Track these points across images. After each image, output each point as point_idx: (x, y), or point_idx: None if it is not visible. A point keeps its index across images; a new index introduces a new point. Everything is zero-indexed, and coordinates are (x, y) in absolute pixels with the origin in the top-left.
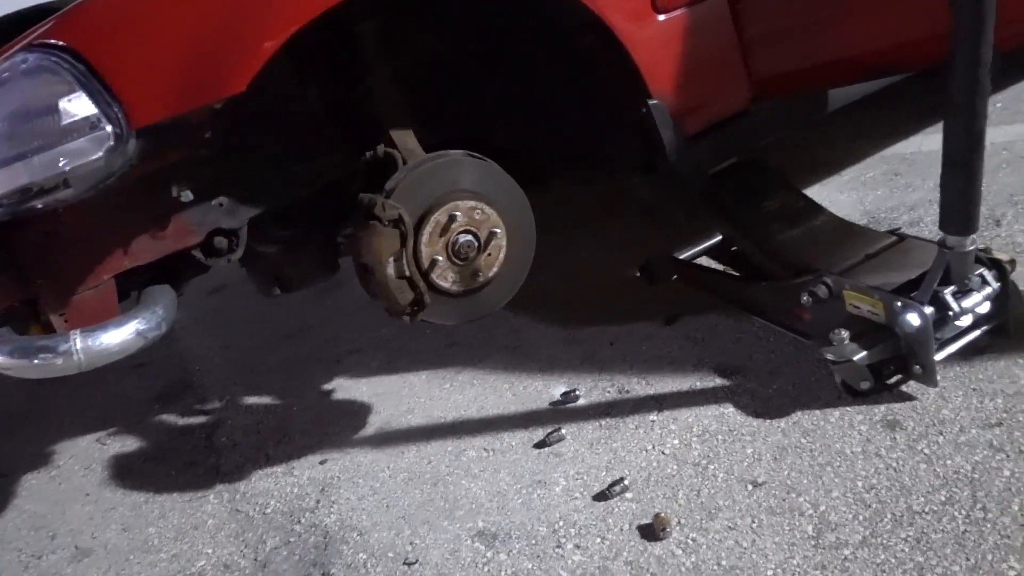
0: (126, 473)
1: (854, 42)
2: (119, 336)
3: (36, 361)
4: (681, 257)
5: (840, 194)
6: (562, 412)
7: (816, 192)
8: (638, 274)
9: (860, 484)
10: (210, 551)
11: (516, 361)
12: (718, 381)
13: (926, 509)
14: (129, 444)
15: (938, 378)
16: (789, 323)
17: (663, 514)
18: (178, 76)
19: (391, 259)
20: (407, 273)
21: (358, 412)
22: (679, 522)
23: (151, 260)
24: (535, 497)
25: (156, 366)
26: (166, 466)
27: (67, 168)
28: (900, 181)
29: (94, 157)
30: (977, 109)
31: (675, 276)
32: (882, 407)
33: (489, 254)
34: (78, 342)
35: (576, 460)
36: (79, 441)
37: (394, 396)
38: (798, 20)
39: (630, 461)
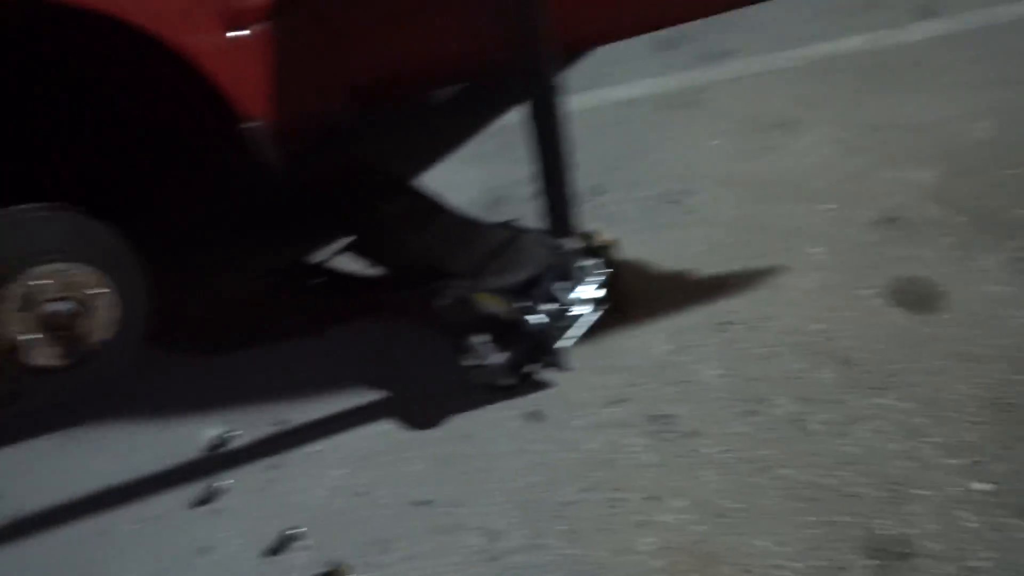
0: None
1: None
2: None
3: None
4: (319, 260)
5: (468, 169)
6: (219, 459)
7: (444, 171)
8: (276, 279)
9: (516, 484)
10: None
11: (152, 404)
12: (374, 395)
13: (573, 499)
14: None
15: (570, 362)
16: (430, 324)
17: (342, 564)
18: None
19: None
20: None
21: None
22: (358, 564)
23: None
24: (202, 567)
25: None
26: None
27: None
28: (515, 153)
29: None
30: (556, 136)
31: (316, 280)
32: (525, 399)
33: (93, 318)
34: None
35: (242, 514)
36: None
37: (13, 471)
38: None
39: (300, 502)
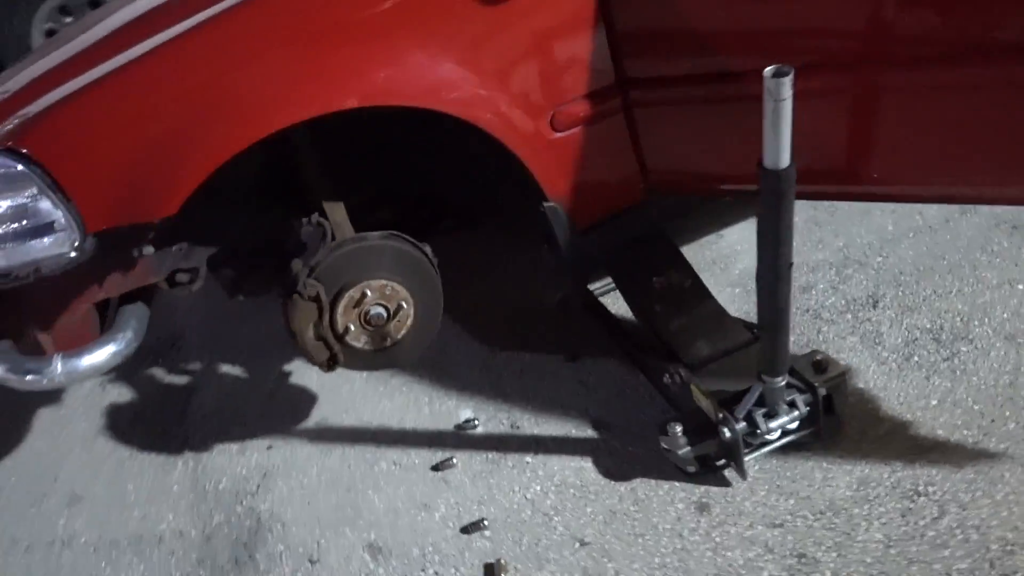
0: (116, 427)
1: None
2: (96, 359)
3: (26, 378)
4: (593, 291)
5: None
6: (461, 437)
7: (736, 234)
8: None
9: (656, 560)
10: (171, 516)
11: (438, 376)
12: (590, 432)
13: None
14: (122, 395)
15: (748, 473)
16: (660, 389)
17: (503, 559)
18: (122, 195)
19: (310, 325)
20: (324, 336)
21: (304, 403)
22: (515, 568)
23: (122, 292)
24: (419, 520)
25: (157, 315)
26: (147, 427)
27: (38, 259)
28: (816, 234)
29: (58, 252)
30: (780, 292)
31: (586, 309)
32: (703, 489)
33: (398, 321)
34: (59, 366)
35: (459, 489)
36: (85, 383)
37: (336, 392)
38: (691, 134)
39: (499, 499)
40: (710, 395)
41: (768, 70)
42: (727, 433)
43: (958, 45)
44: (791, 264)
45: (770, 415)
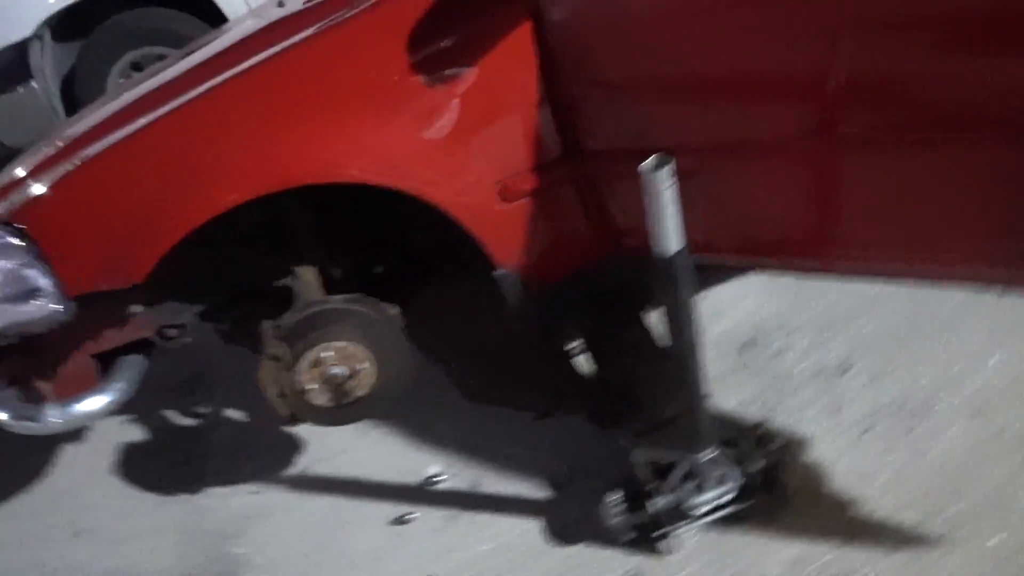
0: (131, 463)
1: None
2: (89, 406)
3: (24, 424)
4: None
5: (745, 299)
6: (426, 492)
7: (726, 292)
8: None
9: None
10: (160, 556)
11: (416, 429)
12: (546, 493)
13: None
14: (140, 433)
15: (679, 546)
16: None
17: None
18: (98, 264)
19: (273, 382)
20: (287, 393)
21: (293, 448)
22: None
23: (117, 345)
24: (372, 573)
25: (186, 353)
26: (158, 464)
27: (24, 320)
28: (804, 294)
29: (43, 314)
30: (691, 371)
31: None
32: (639, 557)
33: (357, 380)
34: (55, 413)
35: (415, 544)
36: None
37: (324, 438)
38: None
39: (450, 557)
40: (647, 463)
41: (647, 162)
42: (651, 505)
43: (908, 123)
44: (697, 342)
45: (700, 488)
